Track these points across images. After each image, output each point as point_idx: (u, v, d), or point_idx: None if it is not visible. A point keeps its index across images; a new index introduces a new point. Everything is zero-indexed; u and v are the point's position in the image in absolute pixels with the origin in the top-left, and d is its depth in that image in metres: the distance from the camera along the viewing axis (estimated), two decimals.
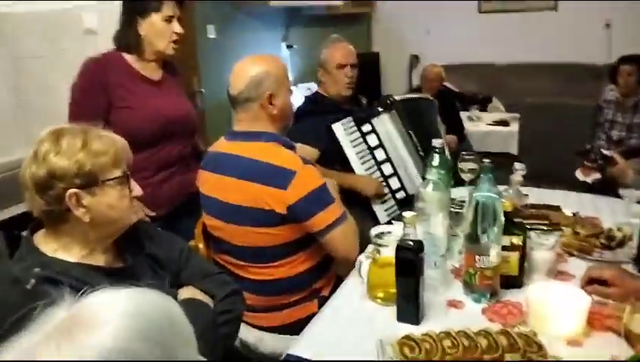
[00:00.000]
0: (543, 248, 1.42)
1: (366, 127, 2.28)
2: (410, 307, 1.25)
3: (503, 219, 1.28)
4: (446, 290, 1.39)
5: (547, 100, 3.70)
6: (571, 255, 1.56)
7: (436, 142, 1.53)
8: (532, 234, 1.58)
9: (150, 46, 1.92)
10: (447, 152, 2.37)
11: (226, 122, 3.72)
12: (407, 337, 1.15)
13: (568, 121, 3.11)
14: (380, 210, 2.19)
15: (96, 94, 1.85)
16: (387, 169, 2.27)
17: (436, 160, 1.54)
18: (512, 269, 1.37)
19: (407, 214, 1.21)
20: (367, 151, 2.22)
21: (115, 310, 0.54)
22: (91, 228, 1.08)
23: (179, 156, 2.01)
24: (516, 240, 1.36)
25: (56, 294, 0.94)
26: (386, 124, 2.31)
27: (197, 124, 2.12)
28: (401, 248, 1.22)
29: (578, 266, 1.49)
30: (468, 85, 5.35)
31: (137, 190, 1.14)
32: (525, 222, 1.71)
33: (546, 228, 1.71)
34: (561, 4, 5.23)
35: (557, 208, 1.84)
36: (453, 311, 1.32)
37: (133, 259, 1.19)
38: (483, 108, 4.83)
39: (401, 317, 1.27)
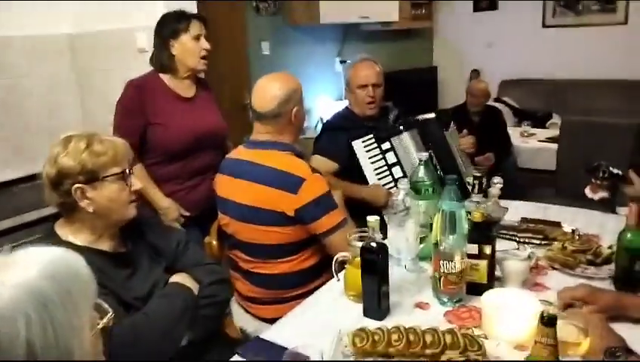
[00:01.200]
0: (517, 259, 1.48)
1: (385, 145, 2.37)
2: (373, 304, 1.37)
3: (465, 227, 1.37)
4: (417, 293, 1.49)
5: (605, 119, 3.59)
6: (554, 268, 1.60)
7: (421, 155, 1.64)
8: (518, 246, 1.65)
9: (183, 64, 2.17)
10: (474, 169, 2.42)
11: None
12: (361, 329, 1.27)
13: (621, 141, 3.02)
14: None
15: (135, 115, 2.13)
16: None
17: (421, 171, 1.66)
18: (480, 277, 1.45)
19: (370, 218, 1.34)
20: (386, 167, 2.32)
21: (33, 258, 0.74)
22: (96, 217, 1.31)
23: (209, 164, 2.23)
24: (485, 249, 1.43)
25: None
26: (405, 143, 2.39)
27: (226, 135, 2.35)
28: (365, 249, 1.35)
29: (558, 280, 1.53)
30: (529, 101, 5.26)
31: (136, 185, 1.35)
32: (519, 235, 1.78)
33: (538, 243, 1.76)
34: (633, 17, 5.03)
35: (557, 224, 1.87)
36: (419, 311, 1.42)
37: (133, 246, 1.41)
38: (542, 125, 4.74)
39: (367, 312, 1.39)
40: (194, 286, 1.40)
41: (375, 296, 1.36)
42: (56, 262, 0.74)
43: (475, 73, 5.73)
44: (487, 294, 1.32)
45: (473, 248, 1.43)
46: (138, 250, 1.41)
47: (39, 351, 0.66)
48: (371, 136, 2.37)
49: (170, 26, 2.15)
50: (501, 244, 1.72)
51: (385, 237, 1.49)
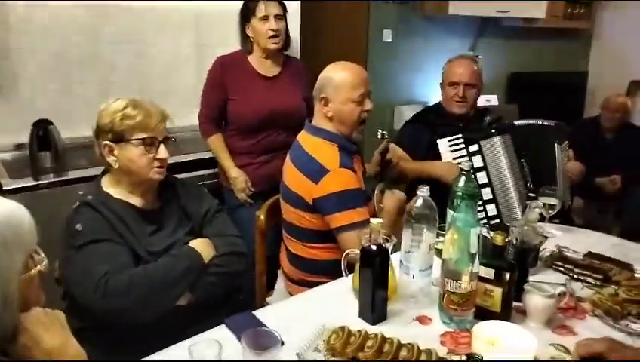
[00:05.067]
0: (541, 294, 1.33)
1: (473, 147, 2.27)
2: (367, 307, 1.34)
3: (475, 247, 1.26)
4: (425, 306, 1.41)
5: None
6: (596, 315, 1.41)
7: (464, 165, 1.54)
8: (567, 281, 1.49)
9: (257, 45, 2.29)
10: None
11: (387, 122, 3.93)
12: (342, 327, 1.26)
13: None
14: None
15: (215, 90, 2.32)
16: (486, 194, 2.23)
17: (461, 181, 1.55)
18: (494, 304, 1.33)
19: (373, 221, 1.30)
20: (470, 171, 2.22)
21: None
22: (122, 174, 1.46)
23: (282, 143, 2.31)
24: (504, 276, 1.31)
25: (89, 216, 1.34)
26: (495, 148, 2.26)
27: (305, 117, 2.40)
28: (364, 251, 1.32)
29: (593, 329, 1.35)
30: None
31: (162, 154, 1.45)
32: (575, 270, 1.61)
33: (594, 282, 1.56)
34: None
35: (628, 266, 1.62)
36: (416, 325, 1.35)
37: (166, 205, 1.54)
38: None
39: (361, 313, 1.36)
40: (209, 253, 1.49)
41: (369, 300, 1.33)
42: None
43: (636, 86, 5.03)
44: (481, 325, 1.21)
45: (488, 272, 1.32)
46: (169, 210, 1.54)
47: None
48: (460, 135, 2.28)
49: (244, 8, 2.27)
50: (550, 276, 1.59)
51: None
